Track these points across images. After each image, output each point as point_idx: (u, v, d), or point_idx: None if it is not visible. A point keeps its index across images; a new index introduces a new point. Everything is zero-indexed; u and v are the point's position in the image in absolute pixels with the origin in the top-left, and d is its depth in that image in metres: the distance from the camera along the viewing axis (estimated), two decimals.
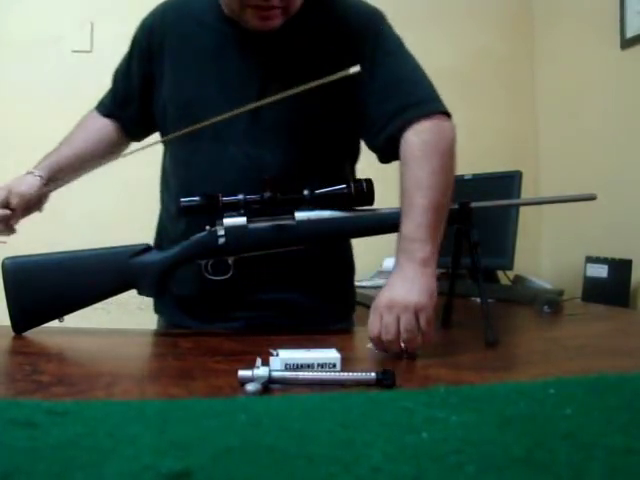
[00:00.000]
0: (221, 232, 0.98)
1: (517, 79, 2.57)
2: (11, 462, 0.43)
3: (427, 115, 1.02)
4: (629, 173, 2.02)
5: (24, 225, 1.10)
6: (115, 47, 1.23)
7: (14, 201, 1.06)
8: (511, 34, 2.57)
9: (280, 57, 1.08)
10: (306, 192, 0.98)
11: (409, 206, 0.97)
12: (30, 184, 1.08)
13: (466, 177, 2.12)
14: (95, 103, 1.26)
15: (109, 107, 1.23)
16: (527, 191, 1.96)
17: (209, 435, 0.49)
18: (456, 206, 1.00)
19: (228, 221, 0.98)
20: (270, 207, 0.98)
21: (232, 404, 0.59)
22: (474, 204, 1.00)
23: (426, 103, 1.05)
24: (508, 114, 2.55)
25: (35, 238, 1.20)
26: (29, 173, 1.10)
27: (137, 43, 1.18)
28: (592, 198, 1.01)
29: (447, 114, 1.05)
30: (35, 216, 1.13)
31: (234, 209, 0.98)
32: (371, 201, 0.99)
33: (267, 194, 0.97)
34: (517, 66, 2.57)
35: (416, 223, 0.95)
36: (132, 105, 1.19)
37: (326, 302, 1.18)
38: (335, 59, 1.03)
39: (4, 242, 1.07)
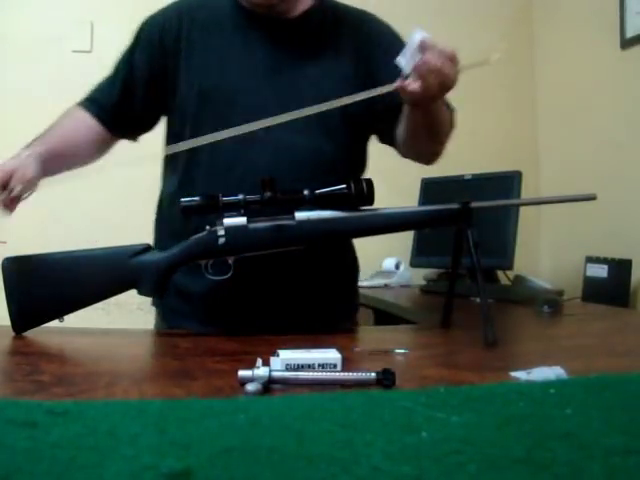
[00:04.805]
0: (221, 232, 0.98)
1: (517, 79, 2.57)
2: (11, 462, 0.43)
3: None
4: (629, 173, 2.02)
5: (24, 225, 1.10)
6: (115, 47, 1.23)
7: (17, 187, 0.97)
8: (511, 34, 2.58)
9: (301, 45, 1.14)
10: (306, 192, 0.98)
11: None
12: (34, 171, 1.00)
13: (466, 177, 2.13)
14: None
15: (102, 103, 1.19)
16: (527, 191, 1.96)
17: (209, 435, 0.49)
18: (456, 206, 1.00)
19: (228, 221, 0.98)
20: (270, 207, 0.98)
21: (232, 404, 0.59)
22: (474, 204, 1.00)
23: (454, 112, 1.16)
24: (508, 114, 2.56)
25: (35, 238, 1.20)
26: (29, 155, 1.02)
27: (145, 37, 1.18)
28: (592, 198, 1.01)
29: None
30: (35, 216, 1.13)
31: (234, 209, 0.98)
32: (371, 201, 0.99)
33: (267, 194, 0.97)
34: (517, 66, 2.57)
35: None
36: (134, 98, 1.19)
37: (330, 302, 1.18)
38: (357, 49, 1.15)
39: (4, 242, 1.07)
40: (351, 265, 1.26)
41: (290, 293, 1.13)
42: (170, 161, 1.21)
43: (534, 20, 2.57)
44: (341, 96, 1.09)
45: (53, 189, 1.20)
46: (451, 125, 1.16)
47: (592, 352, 0.95)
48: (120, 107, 1.19)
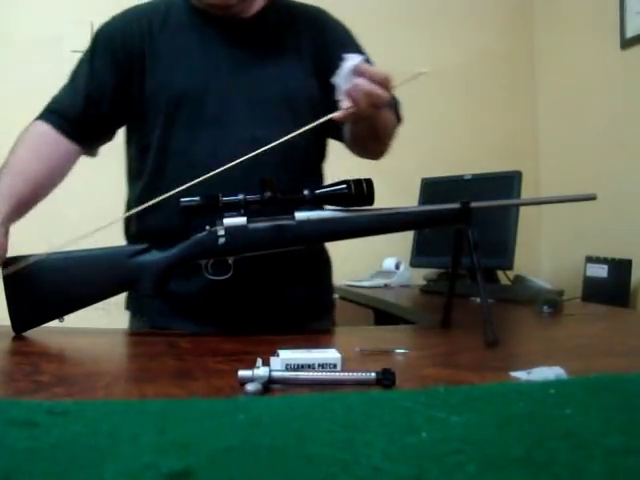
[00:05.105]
0: (221, 232, 0.98)
1: (517, 79, 2.57)
2: (11, 462, 0.43)
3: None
4: (629, 173, 2.02)
5: (25, 225, 1.10)
6: None
7: None
8: (511, 34, 2.58)
9: (261, 44, 1.17)
10: (306, 192, 0.98)
11: None
12: (5, 240, 1.01)
13: (466, 177, 2.13)
14: None
15: (66, 114, 1.15)
16: (527, 191, 1.96)
17: (209, 435, 0.49)
18: (456, 206, 1.00)
19: (228, 221, 0.98)
20: (270, 207, 0.98)
21: (232, 404, 0.59)
22: (474, 204, 1.00)
23: (400, 111, 1.22)
24: (508, 114, 2.56)
25: (35, 238, 1.20)
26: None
27: (106, 42, 1.17)
28: (592, 198, 1.01)
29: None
30: (35, 216, 1.13)
31: (234, 209, 0.98)
32: (371, 201, 0.99)
33: (267, 194, 0.97)
34: (517, 66, 2.58)
35: None
36: (101, 105, 1.15)
37: (309, 301, 1.20)
38: (315, 46, 1.19)
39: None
40: (325, 264, 1.28)
41: (270, 293, 1.14)
42: (137, 165, 1.20)
43: (534, 20, 2.57)
44: (306, 91, 1.17)
45: (54, 190, 1.21)
46: (398, 120, 1.21)
47: (592, 352, 0.95)
48: (85, 116, 1.15)
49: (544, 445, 0.47)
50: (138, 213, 1.10)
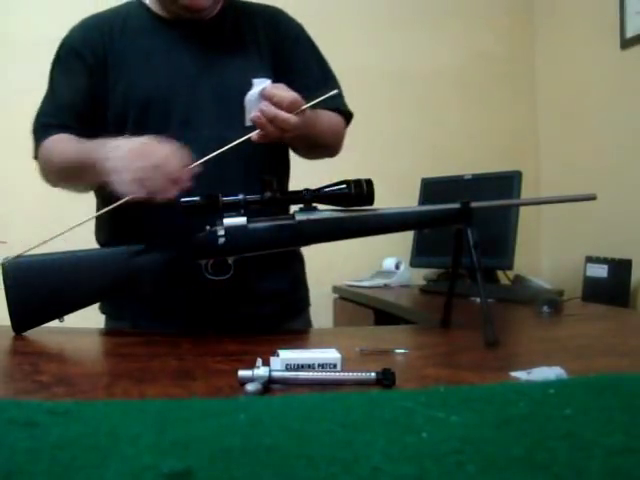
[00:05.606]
0: (221, 232, 0.98)
1: (517, 79, 2.58)
2: (12, 462, 0.43)
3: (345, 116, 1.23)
4: (629, 173, 2.02)
5: (25, 225, 1.10)
6: None
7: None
8: (511, 34, 2.58)
9: (223, 43, 1.18)
10: (305, 192, 0.98)
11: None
12: None
13: (466, 177, 2.13)
14: None
15: (69, 127, 1.12)
16: (527, 191, 1.96)
17: (209, 435, 0.49)
18: (456, 206, 1.00)
19: (228, 221, 0.98)
20: (270, 207, 0.98)
21: (232, 404, 0.59)
22: (474, 204, 1.00)
23: (345, 106, 1.23)
24: (508, 114, 2.56)
25: (35, 238, 1.20)
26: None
27: (74, 54, 1.15)
28: (592, 198, 1.01)
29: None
30: (35, 216, 1.13)
31: (234, 209, 0.98)
32: (371, 201, 0.99)
33: (267, 194, 0.97)
34: (517, 66, 2.58)
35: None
36: (86, 119, 1.14)
37: (284, 297, 1.20)
38: (272, 42, 1.20)
39: (4, 242, 1.07)
40: (300, 264, 1.28)
41: (243, 292, 1.14)
42: None
43: (534, 20, 2.57)
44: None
45: (53, 189, 1.21)
46: (347, 116, 1.23)
47: (592, 352, 0.95)
48: (80, 130, 1.12)
49: (544, 445, 0.47)
50: (107, 219, 1.09)
